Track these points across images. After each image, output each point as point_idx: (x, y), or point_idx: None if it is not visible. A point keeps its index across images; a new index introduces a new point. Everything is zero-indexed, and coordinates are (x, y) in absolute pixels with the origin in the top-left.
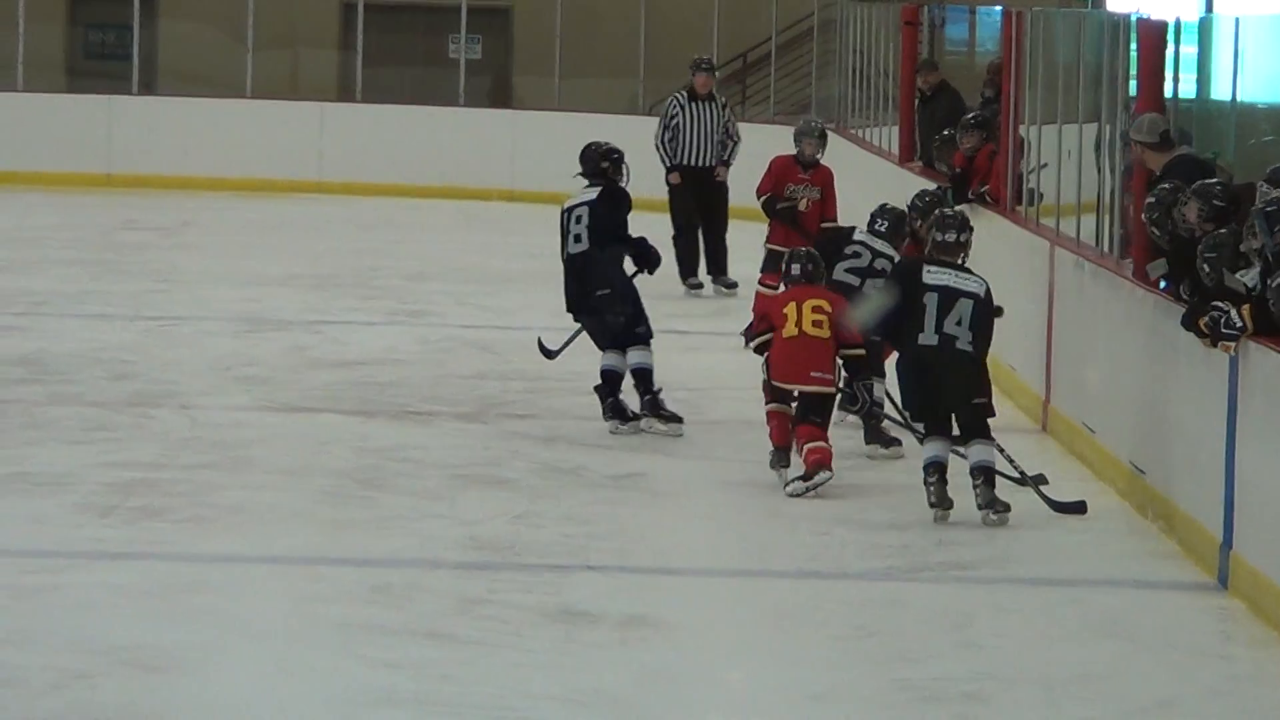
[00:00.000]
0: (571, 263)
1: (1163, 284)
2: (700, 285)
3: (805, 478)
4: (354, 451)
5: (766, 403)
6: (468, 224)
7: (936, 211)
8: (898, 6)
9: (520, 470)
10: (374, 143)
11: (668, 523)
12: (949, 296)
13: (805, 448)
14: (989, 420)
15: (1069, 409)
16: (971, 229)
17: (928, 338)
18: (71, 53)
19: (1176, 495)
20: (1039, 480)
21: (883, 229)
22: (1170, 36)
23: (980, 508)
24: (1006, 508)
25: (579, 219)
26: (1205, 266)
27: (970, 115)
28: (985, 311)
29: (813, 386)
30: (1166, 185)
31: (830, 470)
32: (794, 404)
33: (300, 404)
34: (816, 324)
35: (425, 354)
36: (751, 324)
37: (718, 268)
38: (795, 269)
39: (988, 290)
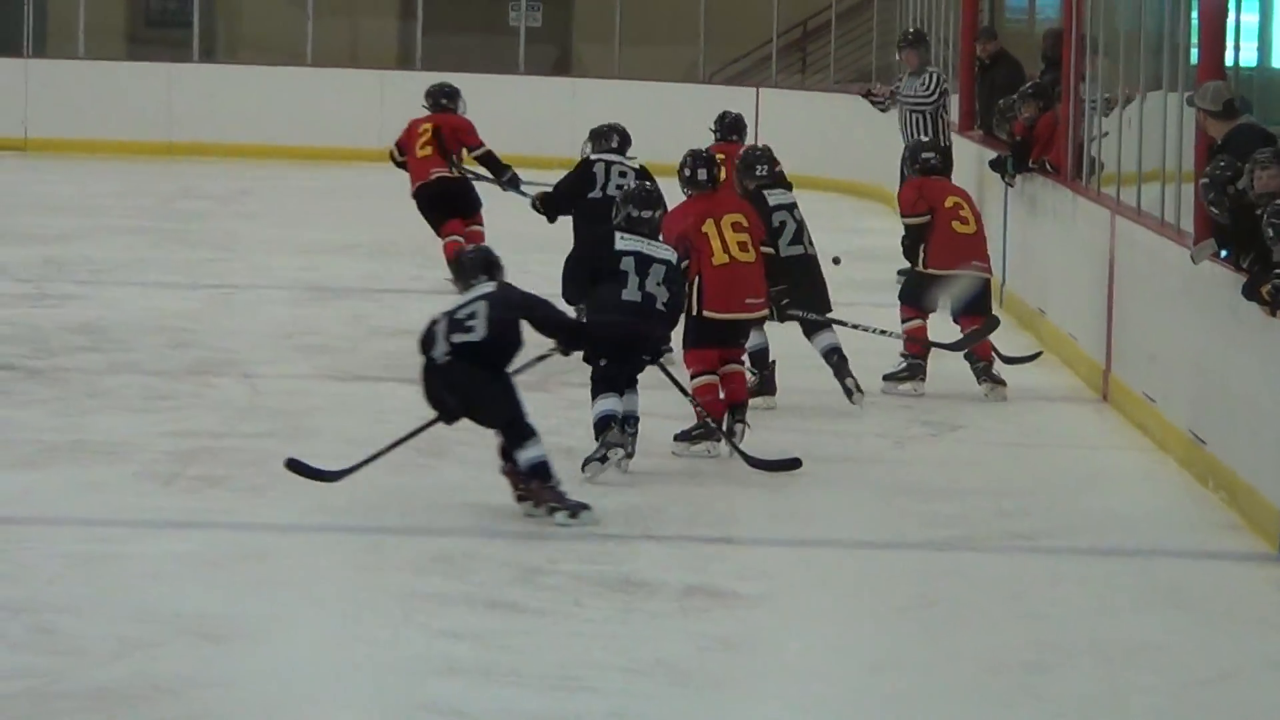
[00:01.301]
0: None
1: (1223, 253)
2: None
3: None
4: (414, 420)
5: (694, 375)
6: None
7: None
8: None
9: (581, 439)
10: None
11: (728, 492)
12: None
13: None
14: None
15: (1130, 378)
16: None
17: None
18: (132, 20)
19: (1237, 465)
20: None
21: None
22: (1231, 4)
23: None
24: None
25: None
26: (1270, 231)
27: (1028, 85)
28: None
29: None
30: (1221, 161)
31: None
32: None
33: (360, 372)
34: (741, 245)
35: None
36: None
37: None
38: (703, 174)
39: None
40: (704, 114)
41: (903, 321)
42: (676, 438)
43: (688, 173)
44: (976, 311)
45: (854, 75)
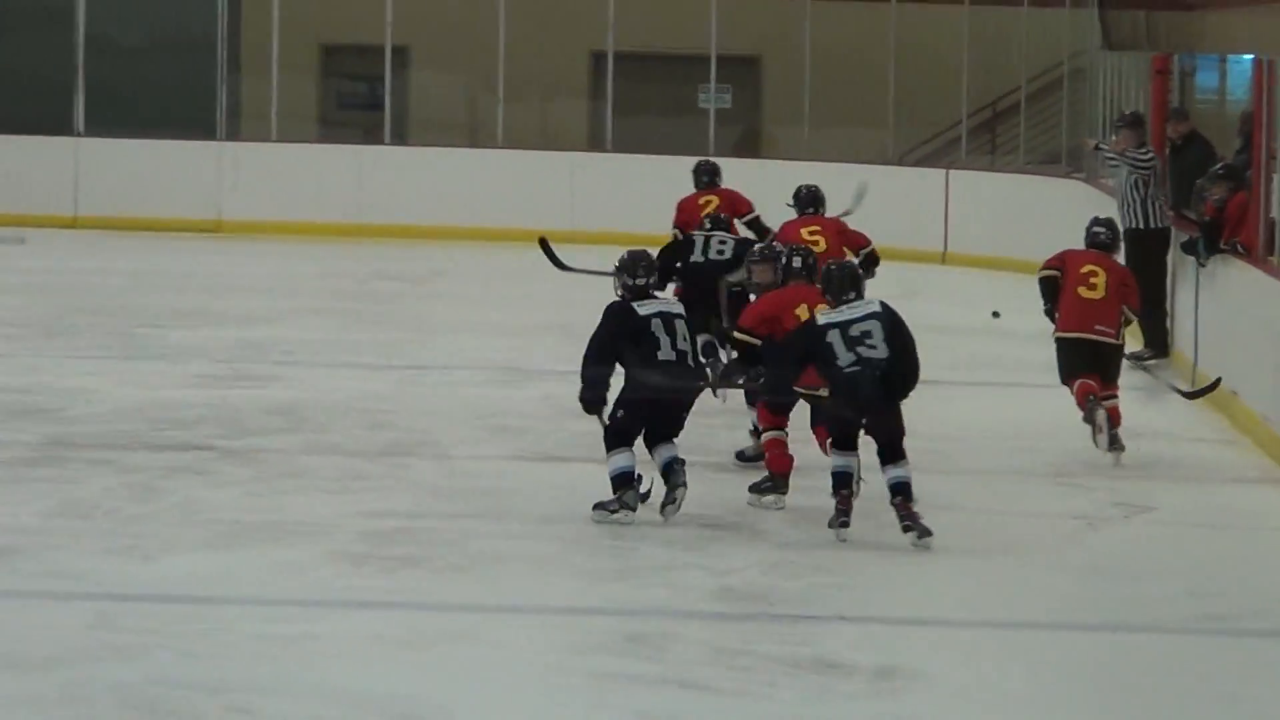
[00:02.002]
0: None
1: None
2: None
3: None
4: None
5: (764, 430)
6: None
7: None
8: (1148, 55)
9: (772, 520)
10: (624, 192)
11: (920, 572)
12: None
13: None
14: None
15: None
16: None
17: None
18: (324, 103)
19: None
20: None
21: None
22: None
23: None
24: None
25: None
26: None
27: (1218, 166)
28: None
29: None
30: None
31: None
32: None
33: (556, 453)
34: None
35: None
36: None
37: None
38: (797, 263)
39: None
40: (895, 196)
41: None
42: (751, 489)
43: (783, 261)
44: (1107, 379)
45: (1043, 157)
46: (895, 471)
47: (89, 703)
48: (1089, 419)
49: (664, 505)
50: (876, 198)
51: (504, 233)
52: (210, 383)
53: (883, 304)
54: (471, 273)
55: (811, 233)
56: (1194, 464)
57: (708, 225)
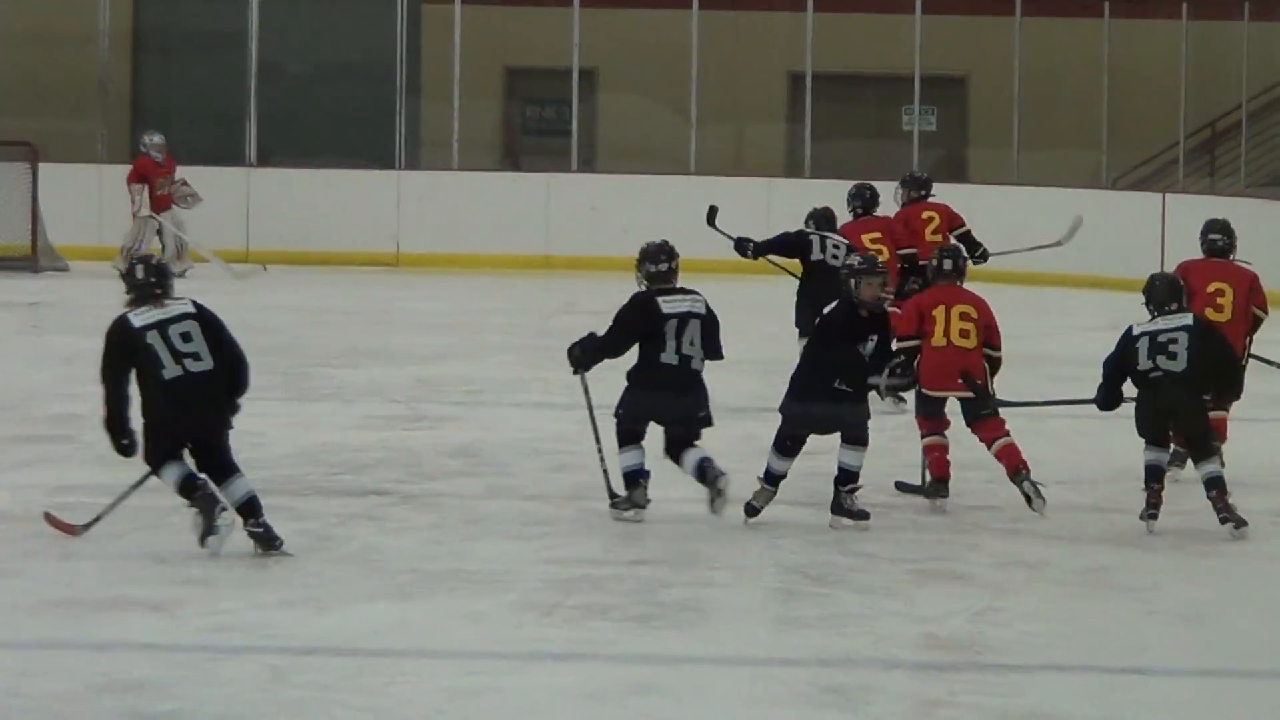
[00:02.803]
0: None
1: None
2: None
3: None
4: (806, 545)
5: (922, 436)
6: None
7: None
8: None
9: (980, 564)
10: None
11: (1137, 620)
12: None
13: (997, 445)
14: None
15: None
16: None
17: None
18: (508, 130)
19: None
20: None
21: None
22: None
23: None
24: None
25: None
26: None
27: None
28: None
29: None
30: None
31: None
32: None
33: (749, 497)
34: (963, 334)
35: (881, 442)
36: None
37: None
38: (947, 265)
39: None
40: (1109, 222)
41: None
42: (900, 485)
43: (935, 263)
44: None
45: (1265, 179)
46: (1207, 468)
47: None
48: None
49: (712, 502)
50: (1090, 225)
51: (699, 263)
52: (387, 423)
53: (1195, 318)
54: None
55: (873, 240)
56: None
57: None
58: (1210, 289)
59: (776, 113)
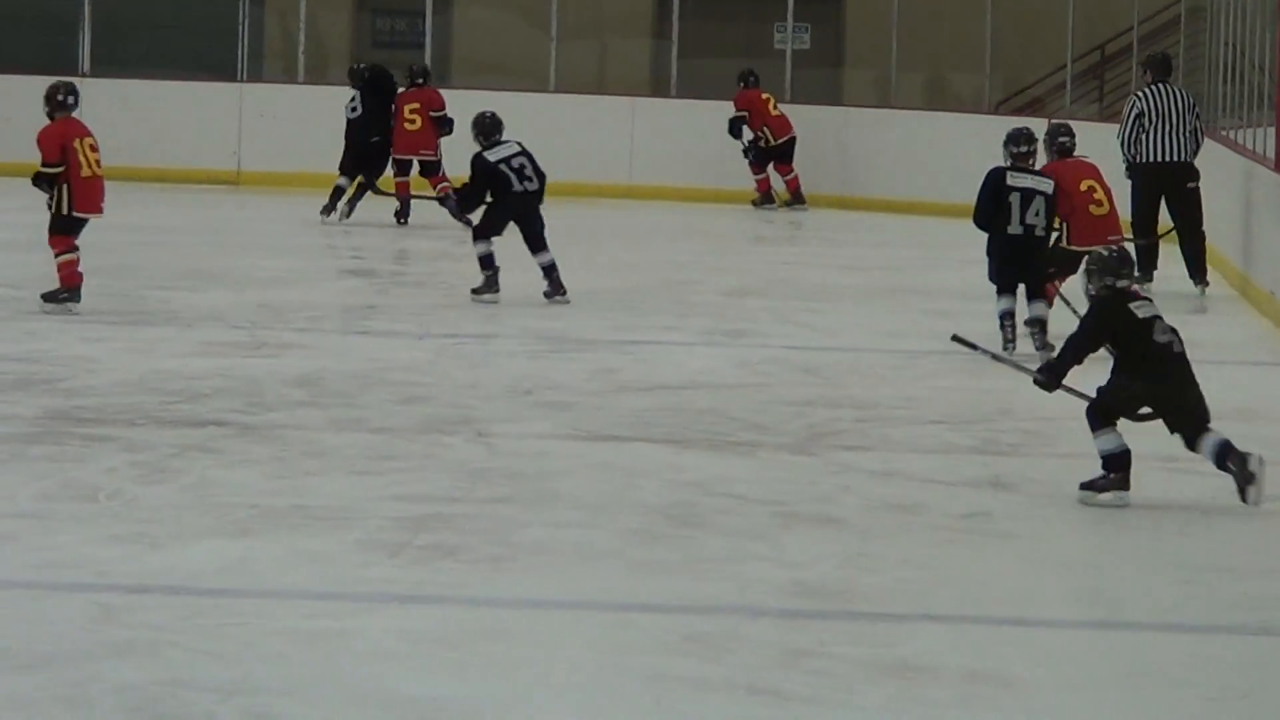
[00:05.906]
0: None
1: None
2: None
3: None
4: (667, 485)
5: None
6: (792, 232)
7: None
8: None
9: (852, 508)
10: (690, 142)
11: (1015, 568)
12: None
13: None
14: None
15: None
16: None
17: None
18: (357, 42)
19: None
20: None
21: None
22: None
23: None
24: (1051, 347)
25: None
26: None
27: None
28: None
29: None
30: None
31: None
32: None
33: (608, 432)
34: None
35: (745, 378)
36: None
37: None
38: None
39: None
40: (991, 147)
41: None
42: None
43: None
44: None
45: None
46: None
47: (89, 706)
48: None
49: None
50: (972, 151)
51: (556, 186)
52: (226, 351)
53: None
54: (516, 231)
55: None
56: None
57: None
58: (1083, 187)
59: (642, 29)
